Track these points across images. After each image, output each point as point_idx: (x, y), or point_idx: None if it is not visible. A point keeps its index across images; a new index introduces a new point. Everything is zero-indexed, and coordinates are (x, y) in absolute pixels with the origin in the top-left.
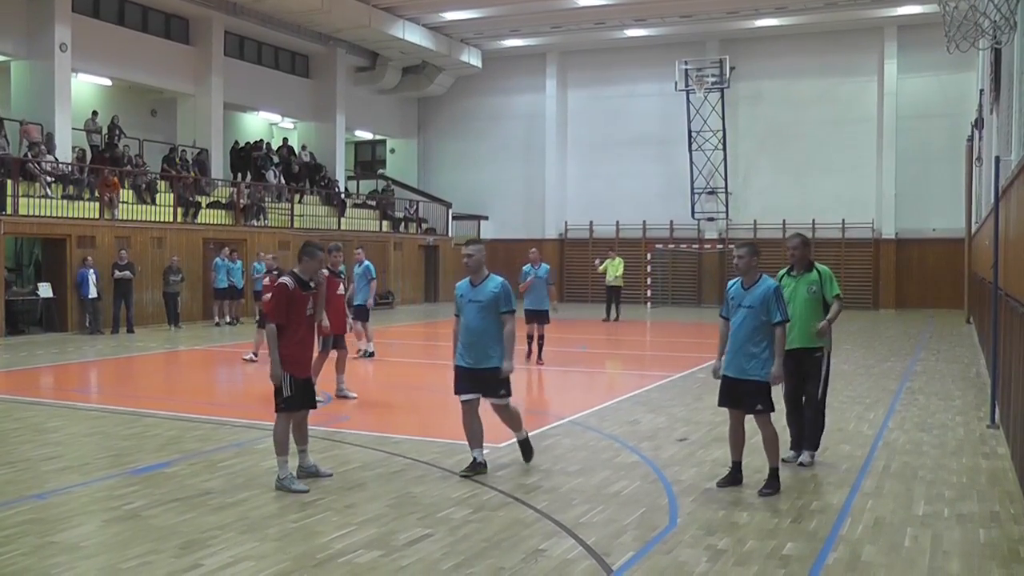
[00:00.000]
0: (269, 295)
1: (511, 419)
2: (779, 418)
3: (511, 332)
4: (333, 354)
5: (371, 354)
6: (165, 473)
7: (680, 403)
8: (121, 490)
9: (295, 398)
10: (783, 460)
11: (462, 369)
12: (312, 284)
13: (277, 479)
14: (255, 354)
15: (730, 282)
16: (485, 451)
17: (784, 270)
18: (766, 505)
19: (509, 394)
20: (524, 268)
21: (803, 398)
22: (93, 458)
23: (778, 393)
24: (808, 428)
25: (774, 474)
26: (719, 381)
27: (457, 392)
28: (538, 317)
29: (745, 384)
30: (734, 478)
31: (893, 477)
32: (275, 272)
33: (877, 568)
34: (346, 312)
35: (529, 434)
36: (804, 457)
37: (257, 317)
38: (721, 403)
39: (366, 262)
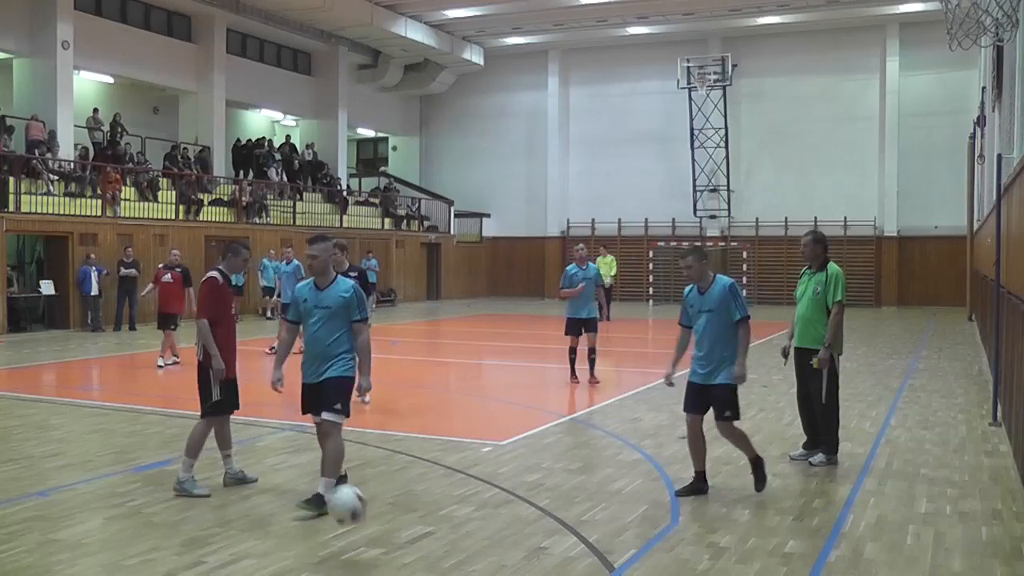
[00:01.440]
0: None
1: (333, 451)
2: (779, 418)
3: (366, 342)
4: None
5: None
6: (167, 470)
7: (682, 401)
8: (123, 487)
9: (225, 402)
10: (790, 457)
11: (306, 387)
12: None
13: (177, 481)
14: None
15: (686, 289)
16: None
17: (806, 267)
18: (768, 503)
19: (346, 413)
20: (568, 269)
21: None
22: (95, 455)
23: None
24: (821, 429)
25: (756, 463)
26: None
27: (304, 412)
28: (587, 325)
29: (714, 389)
30: (697, 487)
31: (895, 475)
32: (178, 269)
33: (879, 566)
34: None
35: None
36: (817, 458)
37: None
38: (688, 408)
39: (295, 261)
